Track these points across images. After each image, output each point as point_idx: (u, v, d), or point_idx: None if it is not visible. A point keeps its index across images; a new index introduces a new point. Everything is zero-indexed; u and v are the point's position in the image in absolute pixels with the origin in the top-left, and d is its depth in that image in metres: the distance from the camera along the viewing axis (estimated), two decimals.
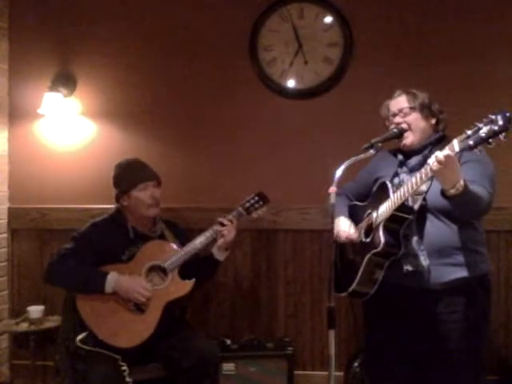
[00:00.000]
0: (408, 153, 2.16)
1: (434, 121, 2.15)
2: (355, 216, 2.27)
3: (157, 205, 2.54)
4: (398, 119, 2.14)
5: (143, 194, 2.51)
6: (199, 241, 2.48)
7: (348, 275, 2.12)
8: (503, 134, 1.59)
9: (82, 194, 3.22)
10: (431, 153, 2.03)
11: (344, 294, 2.12)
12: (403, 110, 2.13)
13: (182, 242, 2.54)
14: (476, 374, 2.04)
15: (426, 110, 2.12)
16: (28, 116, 3.29)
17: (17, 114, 3.32)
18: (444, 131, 2.17)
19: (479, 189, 1.88)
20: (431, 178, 1.85)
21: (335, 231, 2.17)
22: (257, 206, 2.58)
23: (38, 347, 3.04)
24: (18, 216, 3.32)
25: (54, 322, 3.01)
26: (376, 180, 2.23)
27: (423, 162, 2.05)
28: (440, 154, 1.70)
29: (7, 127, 3.32)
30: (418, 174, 1.88)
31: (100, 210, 2.89)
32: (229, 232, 2.49)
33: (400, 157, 2.19)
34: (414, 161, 2.12)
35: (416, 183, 1.88)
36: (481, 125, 1.64)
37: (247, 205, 2.57)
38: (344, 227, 2.20)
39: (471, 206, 1.87)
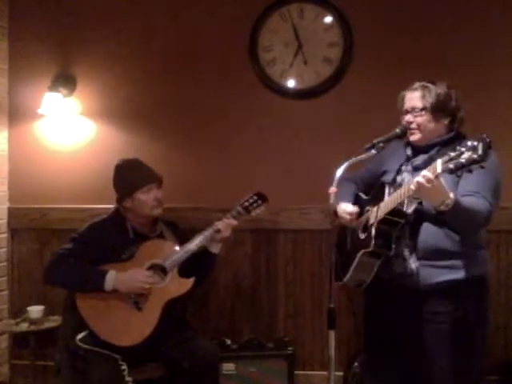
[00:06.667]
0: (417, 148, 2.13)
1: (447, 121, 2.07)
2: (359, 208, 2.26)
3: (160, 205, 2.55)
4: (409, 117, 2.09)
5: (147, 197, 2.51)
6: (198, 240, 2.49)
7: (345, 266, 2.15)
8: (481, 163, 1.60)
9: (82, 194, 3.22)
10: (439, 153, 2.00)
11: (342, 283, 2.16)
12: (415, 110, 2.07)
13: (182, 242, 2.54)
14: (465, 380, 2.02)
15: (438, 110, 2.04)
16: (28, 116, 3.29)
17: (17, 114, 3.32)
18: (459, 129, 2.10)
19: (478, 202, 1.88)
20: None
21: (339, 214, 2.18)
22: (255, 205, 2.60)
23: (38, 347, 3.04)
24: (18, 216, 3.32)
25: (54, 321, 3.01)
26: (384, 172, 2.22)
27: (429, 162, 2.03)
28: (420, 179, 1.73)
29: (7, 127, 3.32)
30: (402, 189, 1.91)
31: (100, 209, 2.89)
32: (225, 229, 2.51)
33: (409, 152, 2.16)
34: (419, 159, 2.09)
35: (404, 194, 1.89)
36: (463, 149, 1.64)
37: (246, 204, 2.59)
38: (345, 206, 2.18)
39: (464, 221, 1.89)
